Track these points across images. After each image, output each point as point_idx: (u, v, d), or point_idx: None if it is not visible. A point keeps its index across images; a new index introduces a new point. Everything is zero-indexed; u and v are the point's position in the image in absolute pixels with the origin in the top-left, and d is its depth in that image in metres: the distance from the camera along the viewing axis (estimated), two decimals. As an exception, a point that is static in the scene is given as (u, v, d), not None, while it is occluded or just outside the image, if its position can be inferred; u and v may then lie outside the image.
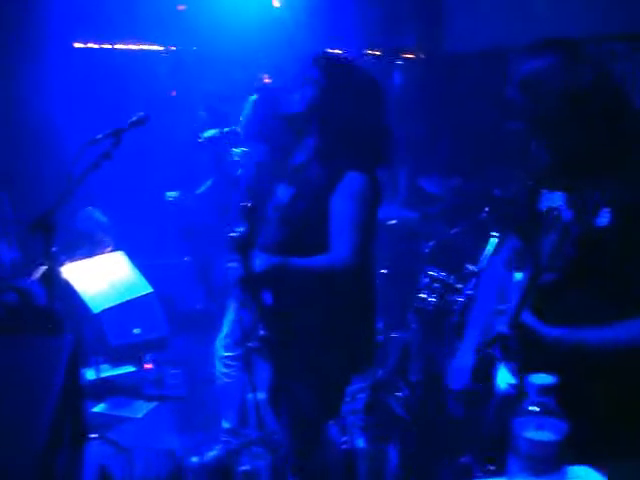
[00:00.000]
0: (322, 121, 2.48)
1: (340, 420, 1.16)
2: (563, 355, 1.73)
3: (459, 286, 3.61)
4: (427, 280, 3.78)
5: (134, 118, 3.00)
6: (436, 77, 6.02)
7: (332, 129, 2.48)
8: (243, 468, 0.99)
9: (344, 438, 1.08)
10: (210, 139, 4.43)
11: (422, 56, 6.47)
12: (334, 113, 2.46)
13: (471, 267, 3.58)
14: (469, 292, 3.50)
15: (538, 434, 1.14)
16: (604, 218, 1.75)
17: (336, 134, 2.48)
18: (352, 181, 2.42)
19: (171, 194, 5.30)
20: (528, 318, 1.80)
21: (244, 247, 2.23)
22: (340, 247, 2.35)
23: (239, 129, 4.34)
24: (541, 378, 1.18)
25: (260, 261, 2.27)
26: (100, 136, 2.97)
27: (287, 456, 2.07)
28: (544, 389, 1.16)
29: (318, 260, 2.36)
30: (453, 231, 4.41)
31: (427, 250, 4.28)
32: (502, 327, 1.85)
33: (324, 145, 2.52)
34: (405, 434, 3.42)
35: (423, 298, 3.73)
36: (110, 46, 7.19)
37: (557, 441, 1.15)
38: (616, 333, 1.74)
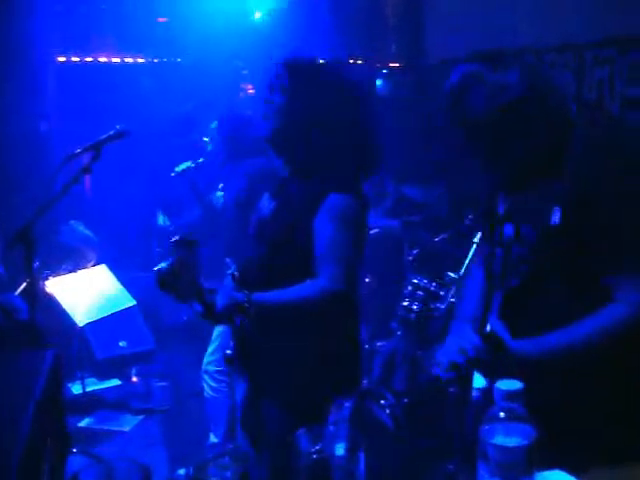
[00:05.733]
0: (295, 134, 2.37)
1: (312, 429, 1.16)
2: (534, 367, 1.74)
3: (442, 293, 3.62)
4: (410, 288, 3.78)
5: (113, 132, 3.00)
6: (418, 85, 6.04)
7: (306, 141, 2.36)
8: (211, 481, 0.99)
9: (316, 447, 1.08)
10: (184, 172, 4.43)
11: (403, 65, 6.50)
12: (306, 124, 2.35)
13: (452, 274, 3.59)
14: (451, 299, 3.51)
15: (506, 440, 1.15)
16: (555, 217, 1.77)
17: (312, 147, 2.37)
18: (335, 203, 2.31)
19: (164, 219, 5.31)
20: (498, 328, 1.81)
21: (164, 283, 2.09)
22: (326, 276, 2.25)
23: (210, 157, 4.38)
24: (508, 384, 1.18)
25: (222, 297, 2.15)
26: (79, 150, 2.98)
27: (257, 467, 2.05)
28: (511, 395, 1.17)
29: (296, 291, 2.25)
30: (437, 238, 4.42)
31: (411, 258, 4.28)
32: (473, 337, 1.85)
33: (301, 161, 2.43)
34: (390, 442, 3.41)
35: (406, 306, 3.73)
36: (92, 59, 7.19)
37: (526, 446, 1.15)
38: (575, 333, 1.75)
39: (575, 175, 1.80)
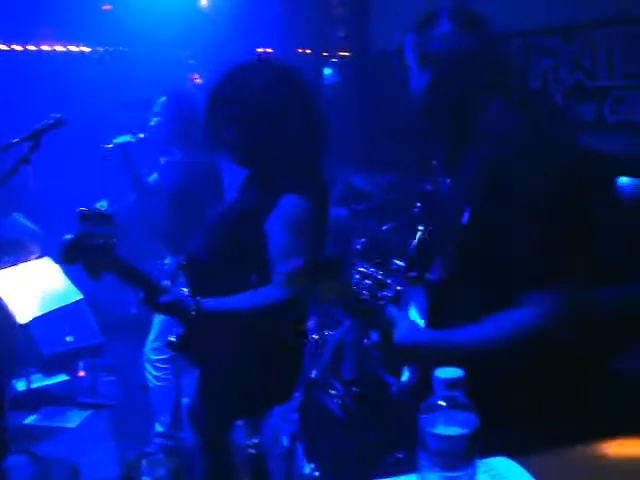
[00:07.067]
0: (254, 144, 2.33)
1: (248, 423, 1.13)
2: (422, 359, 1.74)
3: (389, 281, 3.61)
4: (358, 277, 3.76)
5: (50, 120, 2.92)
6: (365, 74, 6.04)
7: (260, 144, 2.33)
8: (144, 479, 0.95)
9: (252, 441, 1.06)
10: (122, 145, 4.11)
11: (350, 54, 6.49)
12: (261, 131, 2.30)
13: (399, 262, 3.59)
14: (398, 287, 3.50)
15: (446, 429, 1.13)
16: (465, 216, 1.76)
17: (263, 146, 2.33)
18: (289, 207, 2.26)
19: (101, 204, 5.15)
20: (400, 322, 1.80)
21: (66, 256, 2.07)
22: (277, 285, 2.20)
23: (149, 131, 4.16)
24: (447, 372, 1.17)
25: (169, 296, 2.12)
26: (16, 140, 2.89)
27: (195, 461, 2.01)
28: (451, 383, 1.15)
29: (249, 299, 2.16)
30: (385, 227, 4.42)
31: (359, 247, 4.28)
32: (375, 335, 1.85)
33: (250, 160, 2.39)
34: (340, 432, 3.41)
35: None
36: (35, 48, 7.03)
37: (467, 435, 1.14)
38: (473, 334, 1.74)
39: (486, 175, 1.77)
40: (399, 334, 1.77)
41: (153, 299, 2.09)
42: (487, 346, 1.72)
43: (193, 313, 2.07)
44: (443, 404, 1.16)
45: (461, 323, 1.77)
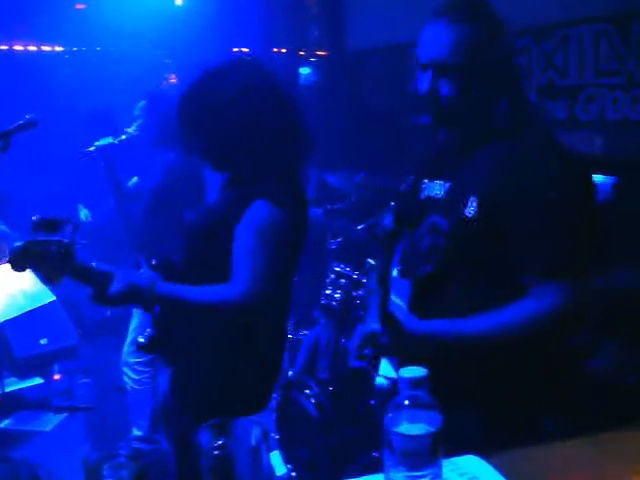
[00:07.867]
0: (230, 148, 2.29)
1: (215, 424, 1.12)
2: (435, 348, 1.74)
3: (364, 281, 3.63)
4: (333, 276, 3.77)
5: (22, 121, 2.89)
6: (340, 74, 6.04)
7: (239, 149, 2.28)
8: (106, 482, 0.95)
9: (218, 442, 1.05)
10: (103, 148, 4.03)
11: (325, 53, 6.49)
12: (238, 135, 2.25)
13: (372, 261, 3.59)
14: (371, 286, 3.51)
15: (411, 428, 1.14)
16: (470, 207, 1.79)
17: (243, 151, 2.28)
18: (260, 212, 2.20)
19: (84, 212, 5.09)
20: (399, 312, 1.80)
21: (13, 263, 1.98)
22: (234, 288, 2.14)
23: (131, 133, 4.10)
24: (411, 371, 1.17)
25: (118, 281, 2.02)
26: (-16, 141, 2.86)
27: (168, 464, 2.00)
28: (415, 382, 1.16)
29: (203, 294, 2.14)
30: (360, 227, 4.42)
31: (334, 246, 4.28)
32: (374, 324, 1.84)
33: (224, 166, 2.35)
34: (316, 431, 3.41)
35: (328, 294, 3.72)
36: (7, 47, 6.97)
37: (431, 434, 1.14)
38: (483, 323, 1.76)
39: (500, 169, 1.80)
40: (409, 324, 1.78)
41: (106, 288, 2.02)
42: (497, 335, 1.75)
43: (147, 295, 2.01)
44: (407, 403, 1.16)
45: (448, 315, 1.79)
